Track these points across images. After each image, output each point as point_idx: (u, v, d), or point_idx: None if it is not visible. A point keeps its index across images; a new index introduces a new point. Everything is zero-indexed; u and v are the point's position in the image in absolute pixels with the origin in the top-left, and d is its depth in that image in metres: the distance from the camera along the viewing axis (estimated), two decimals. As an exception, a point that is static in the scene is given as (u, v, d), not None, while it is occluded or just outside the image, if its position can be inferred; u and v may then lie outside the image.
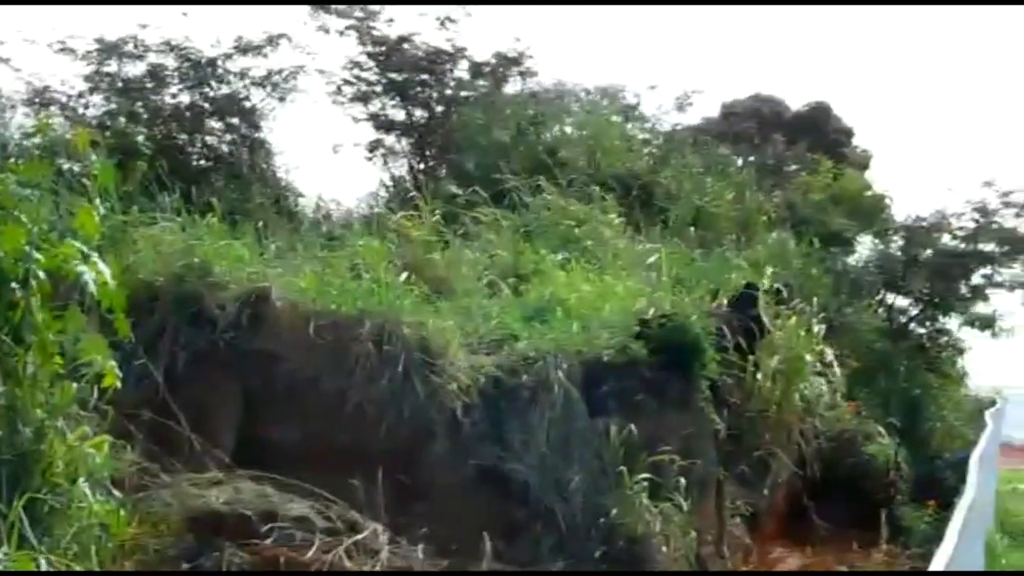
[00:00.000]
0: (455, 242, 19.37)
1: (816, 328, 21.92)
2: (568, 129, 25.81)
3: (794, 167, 31.25)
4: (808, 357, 20.85)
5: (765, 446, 19.09)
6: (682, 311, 17.58)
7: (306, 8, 25.91)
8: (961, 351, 32.09)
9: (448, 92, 26.39)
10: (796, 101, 36.22)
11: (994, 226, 29.79)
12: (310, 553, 12.20)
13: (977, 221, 29.67)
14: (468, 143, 24.88)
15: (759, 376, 18.98)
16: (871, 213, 30.37)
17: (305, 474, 13.08)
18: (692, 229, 23.22)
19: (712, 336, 17.85)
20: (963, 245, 29.69)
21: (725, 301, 19.16)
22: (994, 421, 24.47)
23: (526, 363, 15.85)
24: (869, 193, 31.16)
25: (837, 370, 22.58)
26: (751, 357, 18.77)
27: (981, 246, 29.79)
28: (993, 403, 30.65)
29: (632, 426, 15.59)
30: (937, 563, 7.32)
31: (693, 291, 19.10)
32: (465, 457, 15.15)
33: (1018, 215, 29.78)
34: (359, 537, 12.71)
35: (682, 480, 16.07)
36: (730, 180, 26.44)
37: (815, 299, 22.98)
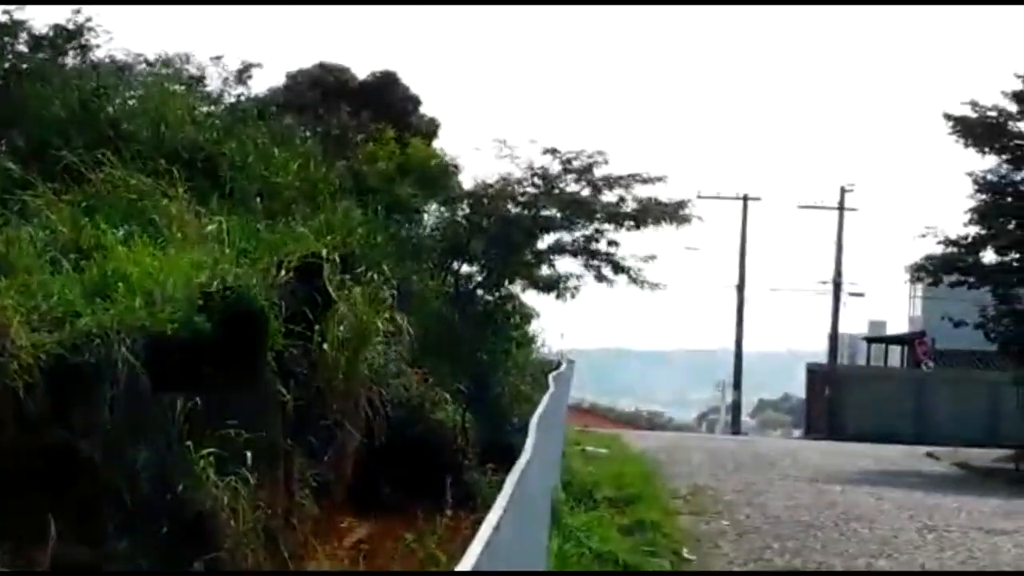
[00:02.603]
0: (13, 219, 19.32)
1: (383, 296, 22.68)
2: (131, 102, 25.77)
3: (360, 136, 31.87)
4: (376, 325, 21.57)
5: (333, 415, 19.69)
6: (245, 283, 18.04)
7: None
8: (528, 316, 33.21)
9: (6, 66, 26.07)
10: (363, 70, 36.89)
11: (556, 192, 31.00)
12: None
13: (538, 187, 30.84)
14: (27, 117, 24.62)
15: (325, 346, 19.59)
16: (438, 181, 31.16)
17: None
18: (258, 200, 23.58)
19: (276, 307, 18.38)
20: (526, 211, 30.79)
21: (290, 272, 19.61)
22: (556, 384, 25.57)
23: (88, 340, 16.08)
24: (435, 161, 31.98)
25: (405, 337, 23.31)
26: (317, 327, 19.33)
27: (544, 212, 30.93)
28: (559, 365, 31.92)
29: (198, 400, 16.06)
30: (487, 524, 7.96)
31: (257, 262, 19.48)
32: (29, 437, 15.29)
33: (578, 180, 31.08)
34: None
35: (249, 453, 16.64)
36: (295, 151, 26.83)
37: (382, 267, 23.74)
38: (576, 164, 31.20)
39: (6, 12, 25.71)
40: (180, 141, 24.37)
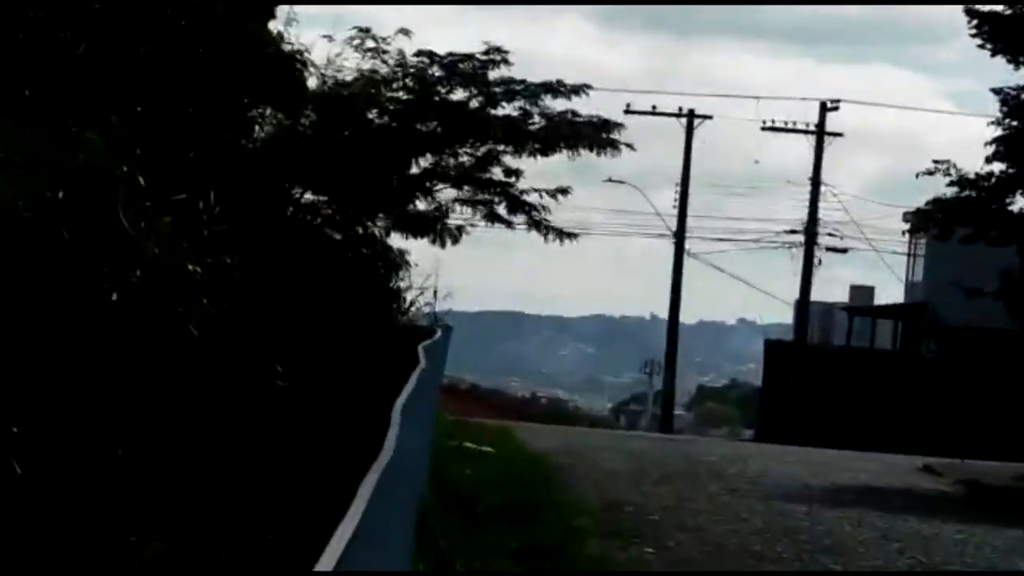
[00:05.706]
0: None
1: (205, 231, 22.69)
2: None
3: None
4: (194, 269, 21.59)
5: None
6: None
7: None
8: (397, 265, 32.60)
9: None
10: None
11: (436, 100, 30.90)
12: None
13: (413, 92, 30.74)
14: None
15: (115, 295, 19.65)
16: (275, 75, 30.69)
17: None
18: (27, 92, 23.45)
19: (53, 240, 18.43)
20: (394, 123, 30.66)
21: (71, 193, 19.62)
22: (428, 358, 24.82)
23: None
24: (272, 49, 31.41)
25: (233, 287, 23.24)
26: (106, 270, 19.36)
27: (419, 125, 30.81)
28: (432, 332, 30.90)
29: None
30: (332, 548, 8.06)
31: (26, 180, 19.56)
32: None
33: (466, 86, 30.99)
34: None
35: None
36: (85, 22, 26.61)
37: (206, 191, 23.70)
38: (463, 67, 31.03)
39: None
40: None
